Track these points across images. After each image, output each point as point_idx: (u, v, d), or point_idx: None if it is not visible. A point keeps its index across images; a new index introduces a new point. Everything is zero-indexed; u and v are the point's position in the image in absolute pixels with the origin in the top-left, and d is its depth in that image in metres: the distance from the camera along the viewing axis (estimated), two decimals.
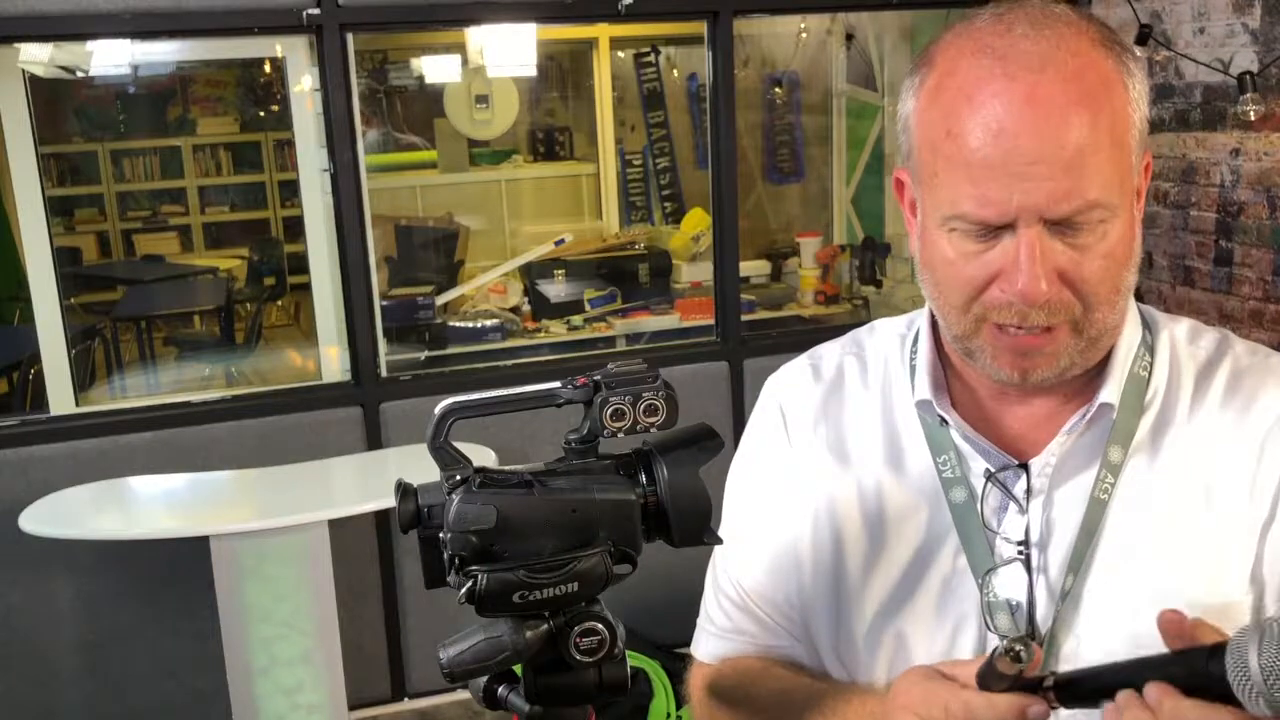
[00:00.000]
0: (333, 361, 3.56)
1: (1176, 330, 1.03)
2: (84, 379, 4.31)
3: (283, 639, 2.82)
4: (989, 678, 0.82)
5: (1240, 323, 3.35)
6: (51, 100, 7.37)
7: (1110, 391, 0.97)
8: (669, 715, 3.09)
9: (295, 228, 5.98)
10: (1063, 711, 0.94)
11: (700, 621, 1.18)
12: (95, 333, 5.50)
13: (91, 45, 3.41)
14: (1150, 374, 1.00)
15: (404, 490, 0.83)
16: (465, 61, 4.77)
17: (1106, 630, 0.95)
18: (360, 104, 3.32)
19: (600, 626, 0.81)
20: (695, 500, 0.83)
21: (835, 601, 1.06)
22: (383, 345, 3.44)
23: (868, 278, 4.59)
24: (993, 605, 0.98)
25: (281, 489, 3.02)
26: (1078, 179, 0.86)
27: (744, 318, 3.83)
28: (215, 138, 8.14)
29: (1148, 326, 1.03)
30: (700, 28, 3.59)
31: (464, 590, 0.79)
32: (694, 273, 4.43)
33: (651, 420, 0.83)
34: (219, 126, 8.15)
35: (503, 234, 5.53)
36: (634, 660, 2.10)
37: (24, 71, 3.25)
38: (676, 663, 3.11)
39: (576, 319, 4.23)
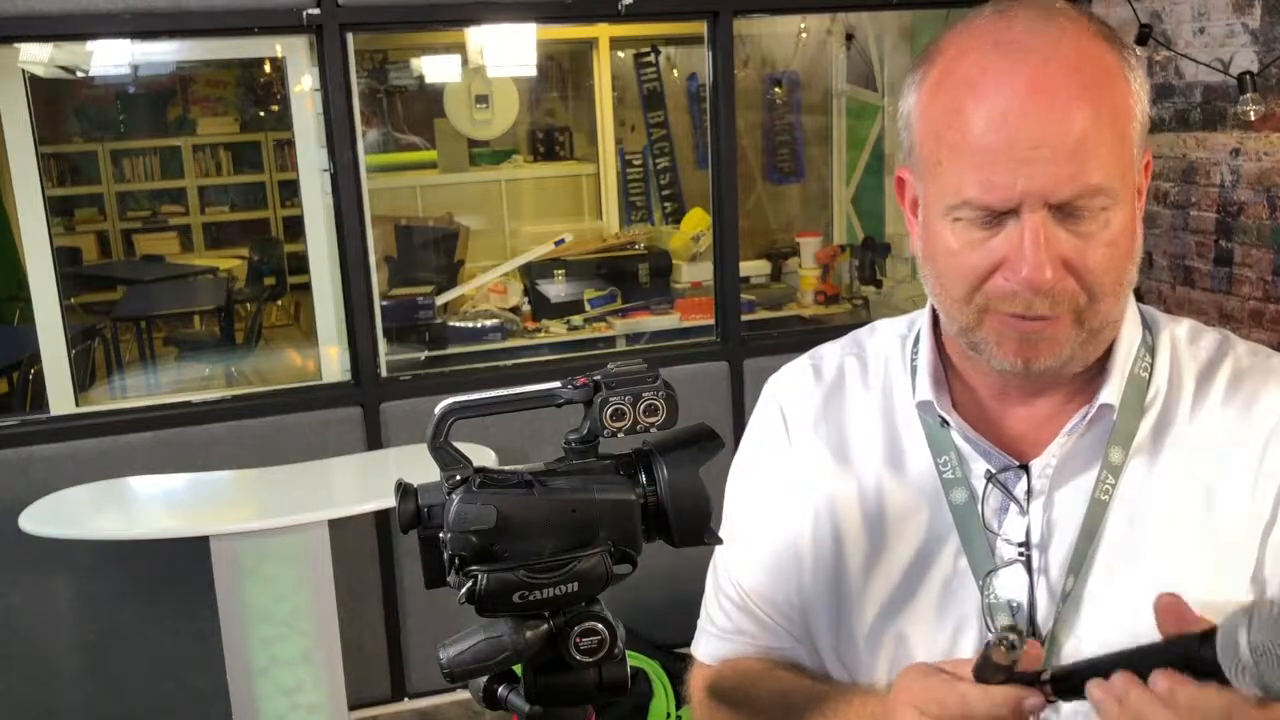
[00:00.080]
0: (333, 361, 3.56)
1: (1177, 331, 1.03)
2: (84, 379, 4.31)
3: (283, 639, 2.82)
4: (985, 670, 0.82)
5: (1240, 323, 3.35)
6: (51, 100, 7.37)
7: (1110, 392, 0.97)
8: (669, 715, 3.09)
9: (295, 228, 5.98)
10: (1064, 708, 0.94)
11: (701, 622, 1.18)
12: (95, 333, 5.50)
13: (91, 45, 3.41)
14: (1151, 375, 1.00)
15: (404, 490, 0.83)
16: (465, 61, 4.77)
17: (1107, 631, 0.95)
18: (360, 104, 3.32)
19: (600, 626, 0.81)
20: (695, 500, 0.83)
21: (836, 602, 1.06)
22: (383, 345, 3.44)
23: (868, 278, 4.59)
24: (994, 606, 0.98)
25: (281, 489, 3.02)
26: (1082, 164, 0.87)
27: (744, 318, 3.83)
28: (215, 138, 8.15)
29: (1148, 327, 1.03)
30: (700, 28, 3.59)
31: (464, 590, 0.79)
32: (694, 273, 4.43)
33: (651, 420, 0.83)
34: (219, 126, 8.16)
35: (503, 234, 5.53)
36: (634, 660, 2.10)
37: (24, 71, 3.25)
38: (676, 663, 3.11)
39: (576, 319, 4.23)
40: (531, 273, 4.42)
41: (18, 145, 3.23)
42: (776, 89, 5.47)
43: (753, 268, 4.68)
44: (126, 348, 6.28)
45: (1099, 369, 0.98)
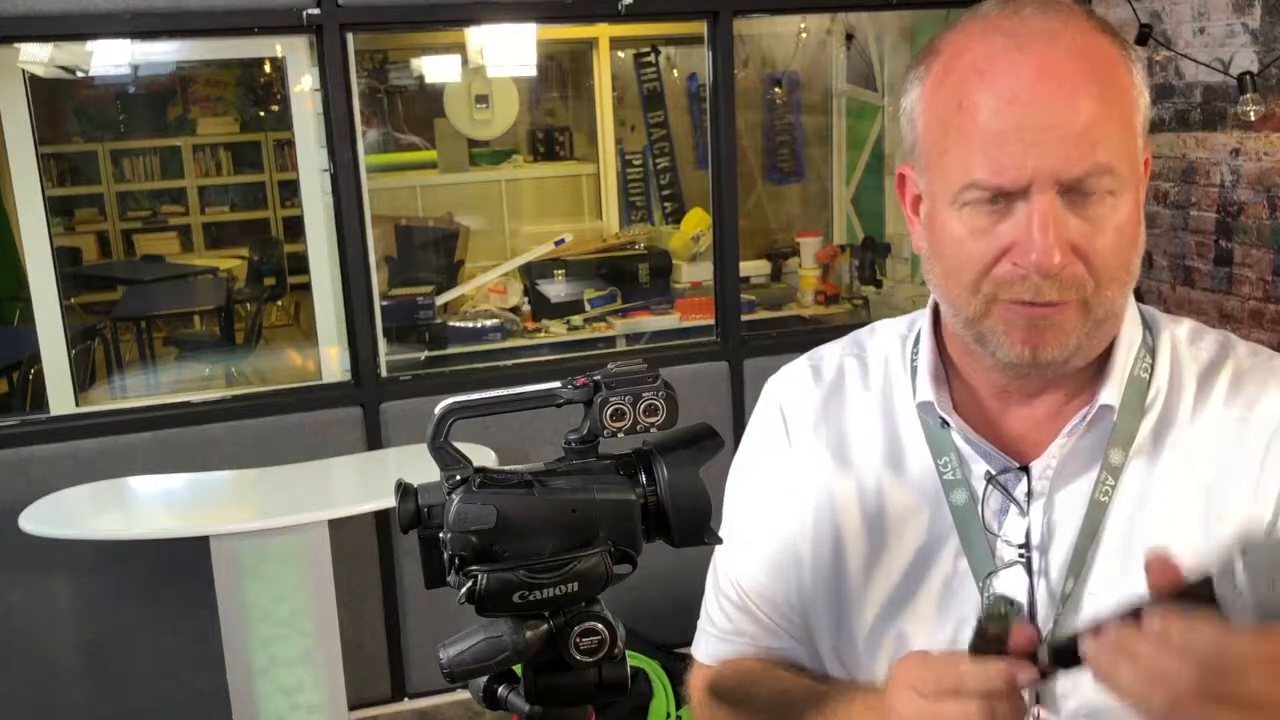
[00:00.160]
0: (333, 361, 3.56)
1: (1178, 331, 1.03)
2: (84, 379, 4.31)
3: (283, 639, 2.82)
4: (980, 645, 0.83)
5: (1240, 323, 3.35)
6: (51, 100, 7.38)
7: (1110, 393, 0.97)
8: (669, 715, 3.09)
9: (295, 228, 5.98)
10: (1066, 707, 0.94)
11: (700, 623, 1.18)
12: (95, 333, 5.50)
13: (91, 45, 3.41)
14: (1151, 375, 1.00)
15: (404, 490, 0.83)
16: (465, 61, 4.77)
17: None
18: (360, 104, 3.32)
19: (600, 626, 0.81)
20: (695, 500, 0.83)
21: (836, 602, 1.06)
22: (383, 345, 3.44)
23: (868, 278, 4.59)
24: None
25: (281, 489, 3.02)
26: (1091, 145, 0.87)
27: (744, 318, 3.83)
28: (215, 138, 8.15)
29: (1149, 328, 1.03)
30: (700, 28, 3.59)
31: (464, 590, 0.79)
32: (694, 273, 4.43)
33: (651, 420, 0.83)
34: (219, 126, 8.16)
35: (503, 234, 5.53)
36: (634, 660, 2.10)
37: (24, 71, 3.24)
38: (676, 663, 3.11)
39: (576, 319, 4.23)
40: (531, 273, 4.42)
41: (18, 145, 3.23)
42: (776, 89, 5.47)
43: (753, 268, 4.68)
44: (126, 348, 6.28)
45: (1099, 369, 0.98)
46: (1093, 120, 0.87)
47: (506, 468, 0.82)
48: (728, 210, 3.62)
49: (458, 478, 0.81)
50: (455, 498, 0.79)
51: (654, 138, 5.70)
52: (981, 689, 0.81)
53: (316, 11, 3.12)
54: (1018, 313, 0.92)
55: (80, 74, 3.93)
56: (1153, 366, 1.01)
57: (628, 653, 0.84)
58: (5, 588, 3.10)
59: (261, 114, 8.20)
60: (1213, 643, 0.72)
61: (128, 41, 3.35)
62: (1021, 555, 0.98)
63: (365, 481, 3.18)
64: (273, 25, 3.17)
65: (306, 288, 3.70)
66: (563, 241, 4.63)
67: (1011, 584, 0.98)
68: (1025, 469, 0.99)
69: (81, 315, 6.04)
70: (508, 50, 4.00)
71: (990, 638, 0.82)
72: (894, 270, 4.65)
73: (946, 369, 1.04)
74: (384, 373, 3.42)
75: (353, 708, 3.13)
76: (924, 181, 0.97)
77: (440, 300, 4.26)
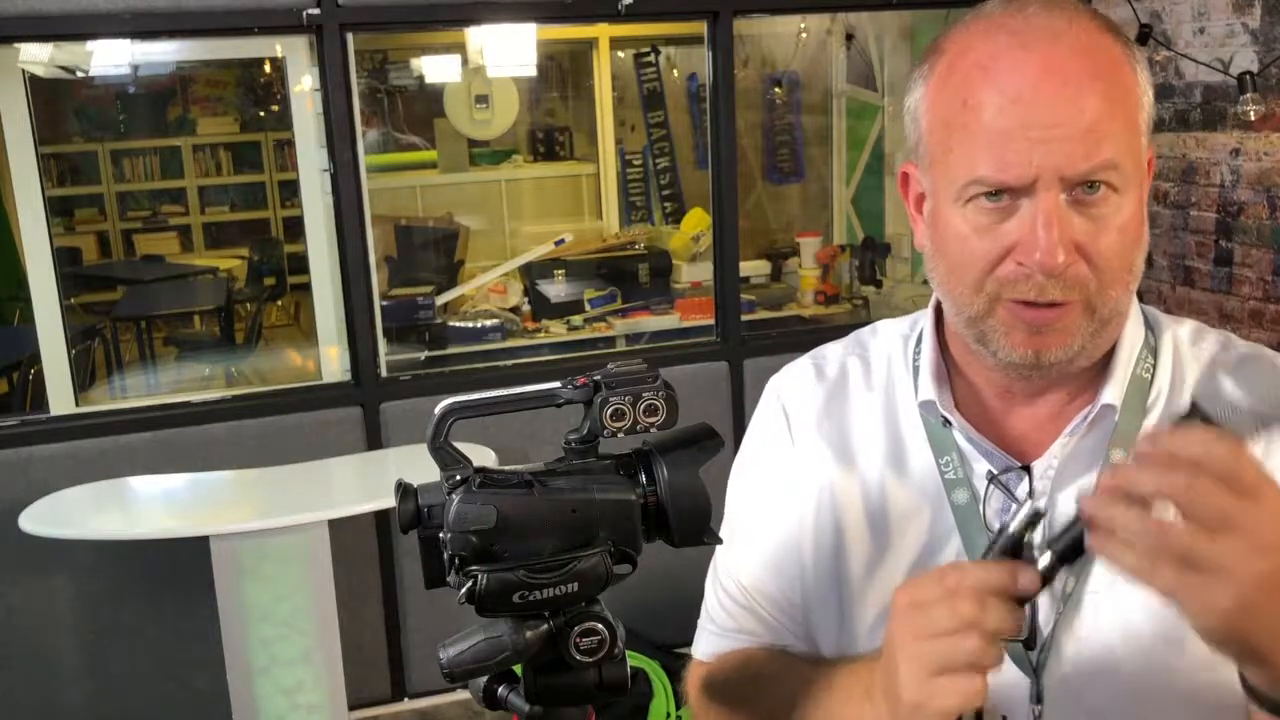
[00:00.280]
0: (333, 361, 3.56)
1: (1179, 332, 1.03)
2: (84, 379, 4.31)
3: (283, 639, 2.82)
4: (996, 551, 0.81)
5: (1240, 323, 3.35)
6: (51, 100, 7.38)
7: (1112, 392, 0.97)
8: (669, 715, 3.09)
9: (295, 228, 5.99)
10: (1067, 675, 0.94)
11: (701, 621, 1.18)
12: (95, 333, 5.50)
13: (91, 45, 3.41)
14: (1153, 376, 1.00)
15: (404, 490, 0.83)
16: (465, 61, 4.77)
17: (1108, 632, 0.95)
18: (360, 104, 3.32)
19: (600, 626, 0.81)
20: (695, 500, 0.83)
21: (837, 601, 1.06)
22: (383, 345, 3.44)
23: (868, 278, 4.60)
24: None
25: (281, 489, 3.02)
26: (1096, 142, 0.87)
27: (744, 318, 3.83)
28: (215, 138, 8.15)
29: (1150, 328, 1.03)
30: (700, 28, 3.59)
31: (464, 590, 0.79)
32: (694, 273, 4.43)
33: (651, 420, 0.83)
34: (219, 126, 8.16)
35: (503, 234, 5.53)
36: (634, 660, 2.10)
37: (24, 71, 3.25)
38: (676, 663, 3.11)
39: (576, 319, 4.23)
40: (531, 273, 4.42)
41: (18, 145, 3.23)
42: (776, 89, 5.47)
43: (753, 268, 4.68)
44: (126, 348, 6.28)
45: (1101, 369, 0.98)
46: (1097, 118, 0.87)
47: (506, 468, 0.82)
48: (728, 210, 3.62)
49: (458, 478, 0.81)
50: (455, 498, 0.79)
51: (654, 138, 5.70)
52: (981, 586, 0.78)
53: (316, 11, 3.12)
54: (1021, 315, 0.92)
55: (80, 74, 3.93)
56: (1155, 366, 1.01)
57: (628, 653, 0.84)
58: (5, 588, 3.10)
59: (261, 114, 8.21)
60: (1219, 442, 0.71)
61: (128, 41, 3.35)
62: None
63: (365, 481, 3.18)
64: (273, 25, 3.17)
65: (306, 288, 3.71)
66: (563, 241, 4.63)
67: None
68: (1027, 468, 0.99)
69: (81, 315, 6.05)
70: (508, 50, 4.00)
71: (1009, 542, 0.79)
72: (894, 270, 4.65)
73: (949, 368, 1.04)
74: (384, 373, 3.42)
75: (353, 708, 3.13)
76: (928, 180, 0.97)
77: (440, 300, 4.26)
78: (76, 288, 6.52)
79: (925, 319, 1.07)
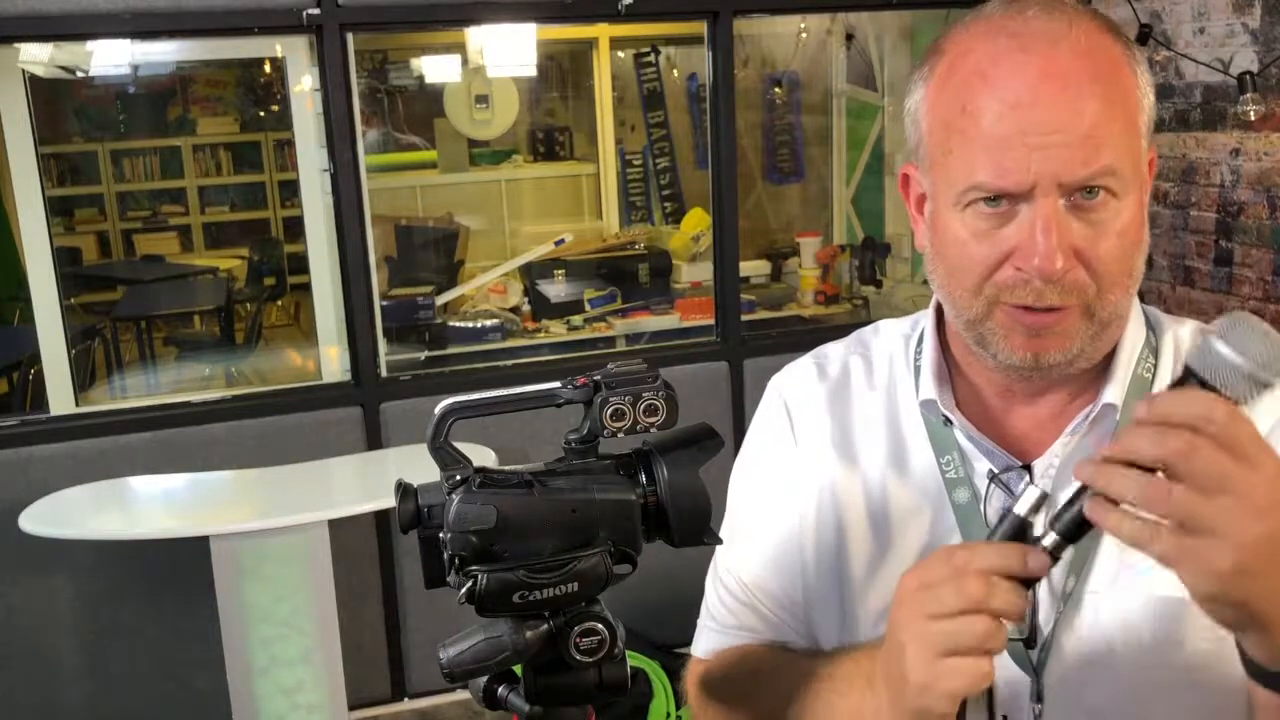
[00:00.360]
0: (333, 361, 3.56)
1: (1181, 332, 1.03)
2: (84, 379, 4.31)
3: (283, 639, 2.82)
4: (1001, 532, 0.80)
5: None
6: (51, 100, 7.38)
7: (1113, 392, 0.97)
8: (669, 715, 3.09)
9: (295, 228, 5.99)
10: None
11: (701, 619, 1.18)
12: (95, 333, 5.50)
13: (91, 45, 3.41)
14: (1154, 375, 1.00)
15: (404, 490, 0.83)
16: (465, 61, 4.77)
17: (1108, 630, 0.95)
18: (360, 104, 3.32)
19: (600, 626, 0.81)
20: (695, 500, 0.83)
21: (839, 601, 1.06)
22: (383, 345, 3.44)
23: (868, 278, 4.59)
24: None
25: (281, 489, 3.02)
26: (1095, 147, 0.87)
27: (744, 318, 3.83)
28: (215, 138, 8.15)
29: (1152, 328, 1.03)
30: (700, 28, 3.59)
31: (464, 590, 0.79)
32: (694, 273, 4.43)
33: (651, 420, 0.83)
34: (219, 126, 8.16)
35: (503, 234, 5.53)
36: (634, 660, 2.10)
37: (24, 71, 3.25)
38: (676, 663, 3.11)
39: (576, 319, 4.23)
40: (531, 273, 4.42)
41: (18, 145, 3.23)
42: (776, 89, 5.47)
43: (753, 268, 4.68)
44: (126, 348, 6.28)
45: (1102, 369, 0.98)
46: (1096, 123, 0.87)
47: (506, 468, 0.82)
48: (728, 210, 3.62)
49: (458, 478, 0.81)
50: (455, 498, 0.79)
51: (654, 138, 5.70)
52: (990, 567, 0.78)
53: (316, 11, 3.12)
54: (1019, 319, 0.92)
55: (80, 74, 3.93)
56: (1156, 366, 1.01)
57: (628, 653, 0.84)
58: (5, 588, 3.10)
59: (261, 114, 8.21)
60: (1215, 405, 0.71)
61: (128, 41, 3.35)
62: None
63: (365, 481, 3.18)
64: (273, 25, 3.17)
65: (306, 288, 3.71)
66: (563, 241, 4.63)
67: None
68: (1028, 468, 0.99)
69: (81, 315, 6.04)
70: (508, 50, 4.00)
71: (1015, 524, 0.79)
72: (894, 270, 4.65)
73: (950, 368, 1.04)
74: (384, 373, 3.42)
75: (353, 708, 3.13)
76: (928, 182, 0.97)
77: (440, 300, 4.26)
78: (76, 288, 6.53)
79: (926, 319, 1.07)
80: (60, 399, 3.34)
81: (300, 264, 4.71)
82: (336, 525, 2.88)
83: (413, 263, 4.78)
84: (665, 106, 5.71)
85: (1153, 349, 1.01)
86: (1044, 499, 0.79)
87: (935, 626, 0.79)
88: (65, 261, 5.56)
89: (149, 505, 3.07)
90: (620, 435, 0.83)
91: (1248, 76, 3.13)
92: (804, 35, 5.28)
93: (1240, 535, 0.69)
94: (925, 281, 1.00)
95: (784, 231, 5.31)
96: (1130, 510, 0.72)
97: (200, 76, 8.04)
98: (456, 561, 0.79)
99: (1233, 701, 0.90)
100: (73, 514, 2.88)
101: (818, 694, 0.98)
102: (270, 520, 2.78)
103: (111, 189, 7.94)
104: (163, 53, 4.77)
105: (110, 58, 3.77)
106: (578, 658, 0.81)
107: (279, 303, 7.31)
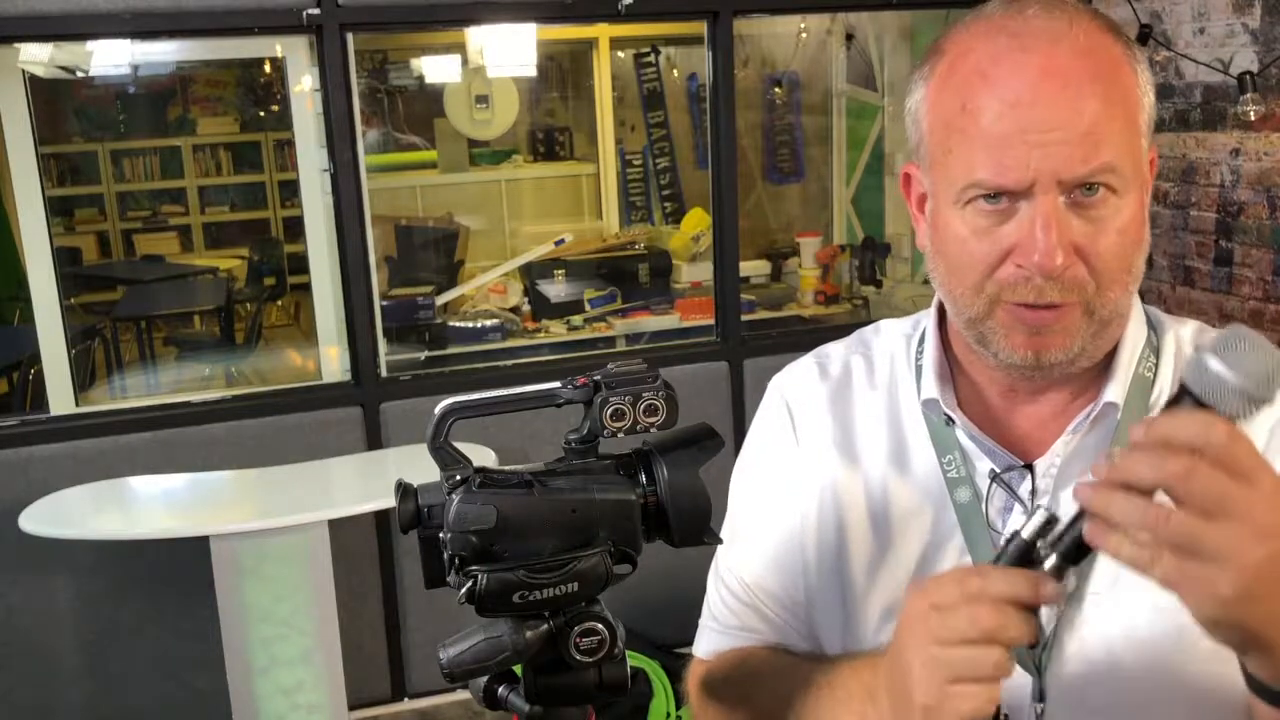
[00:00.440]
0: (333, 361, 3.56)
1: (1182, 332, 1.03)
2: (84, 379, 4.31)
3: (283, 639, 2.82)
4: (1008, 557, 0.79)
5: (1240, 323, 3.35)
6: (51, 100, 7.38)
7: (1115, 391, 0.97)
8: (669, 715, 3.09)
9: (295, 228, 5.99)
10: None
11: (702, 620, 1.18)
12: (95, 333, 5.50)
13: (91, 45, 3.41)
14: (1155, 375, 1.00)
15: (404, 490, 0.83)
16: (465, 61, 4.77)
17: (1110, 629, 0.95)
18: (360, 104, 3.32)
19: (600, 626, 0.81)
20: (695, 500, 0.83)
21: (841, 601, 1.06)
22: (383, 345, 3.44)
23: (868, 278, 4.59)
24: None
25: (281, 489, 3.02)
26: (1094, 145, 0.87)
27: (744, 318, 3.83)
28: (215, 138, 8.15)
29: (1153, 328, 1.03)
30: (700, 28, 3.59)
31: (464, 590, 0.79)
32: (694, 273, 4.43)
33: (651, 420, 0.83)
34: (219, 126, 8.16)
35: (503, 234, 5.53)
36: (634, 660, 2.10)
37: (24, 71, 3.25)
38: (676, 663, 3.11)
39: (576, 319, 4.23)
40: (531, 273, 4.42)
41: (18, 145, 3.23)
42: (776, 89, 5.47)
43: (753, 268, 4.68)
44: (126, 348, 6.28)
45: (1104, 368, 0.98)
46: (1096, 121, 0.87)
47: (506, 468, 0.82)
48: (728, 210, 3.62)
49: (458, 478, 0.81)
50: (455, 498, 0.79)
51: (654, 138, 5.70)
52: (1006, 594, 0.76)
53: (316, 11, 3.12)
54: (1020, 317, 0.92)
55: (80, 74, 3.93)
56: (1157, 366, 1.01)
57: (628, 653, 0.84)
58: (5, 588, 3.10)
59: (261, 114, 8.21)
60: (1214, 426, 0.69)
61: (128, 41, 3.35)
62: None
63: (365, 481, 3.18)
64: (273, 25, 3.17)
65: (306, 288, 3.71)
66: (563, 241, 4.63)
67: None
68: (1029, 467, 0.99)
69: (81, 315, 6.04)
70: (508, 50, 4.00)
71: (1022, 547, 0.78)
72: (894, 270, 4.65)
73: (951, 367, 1.04)
74: (384, 373, 3.42)
75: (353, 708, 3.13)
76: (929, 181, 0.97)
77: (440, 300, 4.26)
78: (76, 288, 6.52)
79: (928, 319, 1.07)
80: (60, 399, 3.34)
81: (300, 264, 4.71)
82: (336, 525, 2.88)
83: (413, 263, 4.78)
84: (665, 106, 5.71)
85: (1154, 348, 1.01)
86: (1051, 521, 0.78)
87: (946, 653, 0.78)
88: (65, 261, 5.56)
89: (149, 505, 3.07)
90: (620, 435, 0.83)
91: (1248, 76, 3.13)
92: (804, 35, 5.28)
93: (1242, 559, 0.69)
94: (926, 281, 1.00)
95: (784, 231, 5.31)
96: (1129, 533, 0.72)
97: (200, 76, 8.04)
98: (456, 561, 0.79)
99: (1234, 702, 0.90)
100: (73, 514, 2.88)
101: (818, 701, 0.98)
102: (270, 520, 2.78)
103: (111, 189, 7.94)
104: (163, 53, 4.77)
105: (110, 58, 3.77)
106: (578, 658, 0.81)
107: (279, 303, 7.31)
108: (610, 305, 4.32)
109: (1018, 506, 0.99)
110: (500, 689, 0.85)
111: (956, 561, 1.00)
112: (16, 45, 3.11)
